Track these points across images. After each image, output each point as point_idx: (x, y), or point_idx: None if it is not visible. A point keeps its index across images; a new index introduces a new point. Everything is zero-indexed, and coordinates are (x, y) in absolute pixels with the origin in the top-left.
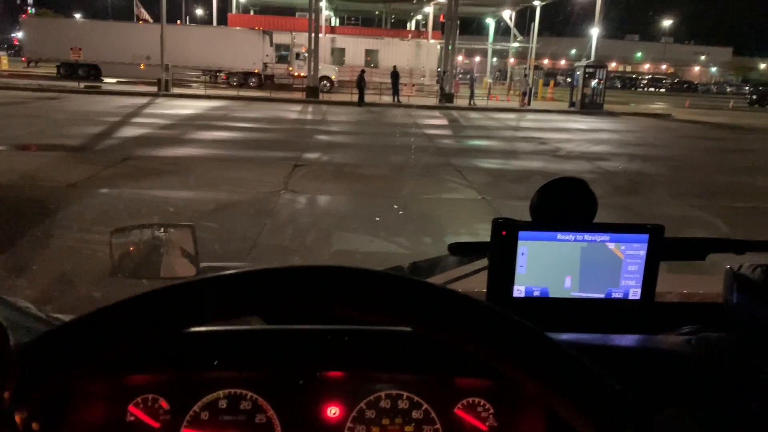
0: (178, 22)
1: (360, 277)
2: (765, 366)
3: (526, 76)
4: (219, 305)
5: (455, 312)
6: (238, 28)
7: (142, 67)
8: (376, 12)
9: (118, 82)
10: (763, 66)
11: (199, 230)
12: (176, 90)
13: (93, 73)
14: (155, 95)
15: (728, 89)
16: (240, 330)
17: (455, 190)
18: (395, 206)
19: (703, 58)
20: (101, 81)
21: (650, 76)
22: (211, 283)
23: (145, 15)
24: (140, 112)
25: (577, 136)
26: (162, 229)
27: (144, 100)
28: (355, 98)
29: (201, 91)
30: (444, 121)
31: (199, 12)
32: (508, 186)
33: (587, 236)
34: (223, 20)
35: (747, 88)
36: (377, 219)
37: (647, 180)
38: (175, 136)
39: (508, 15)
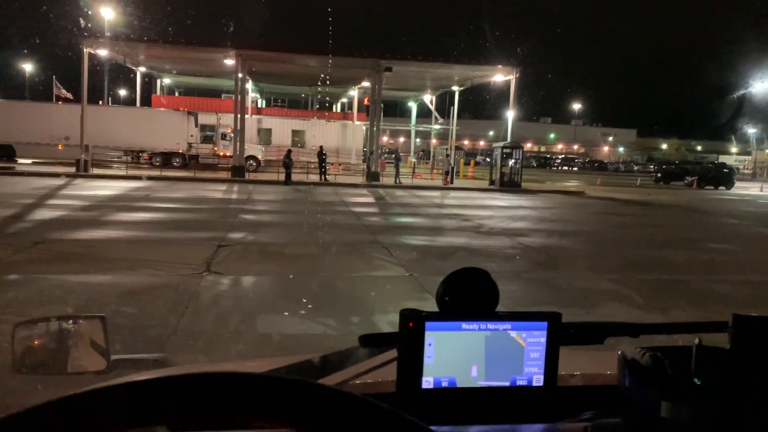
0: (101, 102)
1: (236, 383)
2: None
3: (447, 156)
4: (100, 419)
5: (340, 412)
6: (162, 109)
7: (60, 148)
8: (302, 94)
9: (34, 163)
10: (665, 146)
11: (116, 316)
12: (96, 171)
13: (7, 153)
14: (73, 176)
15: (635, 168)
16: None
17: (383, 267)
18: (322, 286)
19: (610, 138)
20: (15, 162)
21: (563, 156)
22: (91, 397)
23: (65, 94)
24: (56, 194)
25: (497, 212)
26: (70, 321)
27: (61, 181)
28: (282, 177)
29: (122, 172)
30: (371, 199)
31: (123, 93)
32: (435, 262)
33: (490, 325)
34: (147, 101)
35: (652, 166)
36: (303, 300)
37: (565, 254)
38: (93, 217)
39: (428, 99)
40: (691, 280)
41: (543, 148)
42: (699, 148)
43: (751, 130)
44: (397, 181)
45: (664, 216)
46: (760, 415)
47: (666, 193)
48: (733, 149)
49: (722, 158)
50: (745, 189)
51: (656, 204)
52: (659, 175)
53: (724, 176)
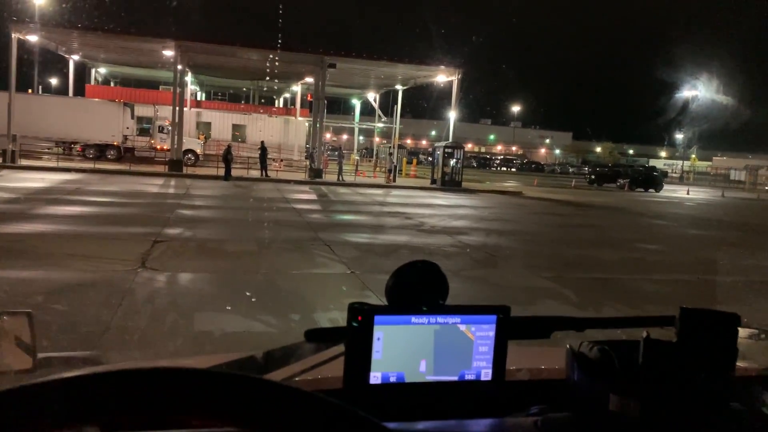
0: (30, 90)
1: (182, 378)
2: None
3: (390, 154)
4: (37, 416)
5: (287, 408)
6: (96, 99)
7: None
8: (244, 88)
9: None
10: (599, 149)
11: (46, 314)
12: (25, 162)
13: None
14: None
15: (570, 170)
16: None
17: (324, 264)
18: (262, 283)
19: (547, 141)
20: None
21: (502, 157)
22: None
23: None
24: None
25: (439, 211)
26: None
27: None
28: (222, 172)
29: (53, 164)
30: (313, 196)
31: (54, 82)
32: (376, 260)
33: (440, 319)
34: (81, 91)
35: (586, 168)
36: (243, 297)
37: (503, 253)
38: (20, 211)
39: (372, 97)
40: (622, 279)
41: (483, 149)
42: (631, 152)
43: (679, 136)
44: (340, 178)
45: (598, 217)
46: (705, 409)
47: (599, 195)
48: (663, 153)
49: (652, 162)
50: (673, 192)
51: (590, 205)
52: (593, 177)
53: (654, 179)
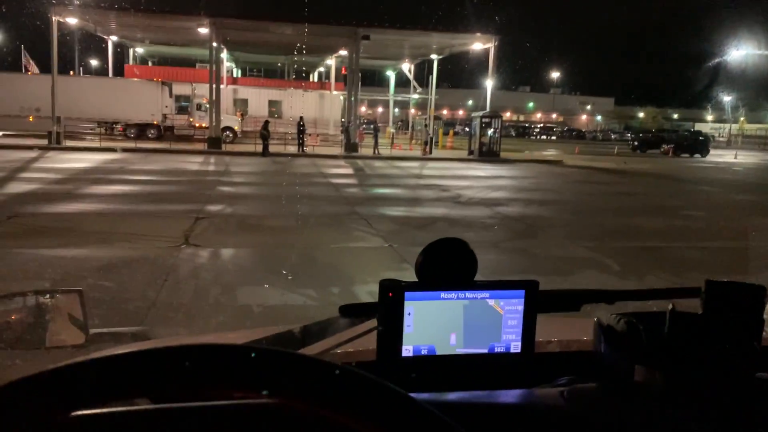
0: (72, 72)
1: (222, 354)
2: (631, 416)
3: (426, 126)
4: (87, 391)
5: (320, 380)
6: (135, 79)
7: (30, 120)
8: (279, 64)
9: (4, 135)
10: (641, 114)
11: (94, 290)
12: (69, 143)
13: None
14: (45, 148)
15: (612, 136)
16: (128, 411)
17: (362, 238)
18: (302, 257)
19: (588, 107)
20: None
21: (542, 125)
22: (76, 369)
23: (33, 66)
24: (29, 167)
25: (476, 183)
26: (48, 295)
27: (33, 153)
28: (260, 149)
29: (96, 144)
30: (349, 170)
31: (94, 63)
32: (414, 233)
33: (469, 294)
34: (120, 71)
35: (629, 135)
36: (283, 271)
37: (543, 224)
38: (67, 191)
39: (407, 68)
40: (666, 247)
41: (522, 117)
42: (675, 116)
43: (726, 99)
44: (376, 151)
45: (641, 184)
46: (729, 380)
47: (643, 162)
48: (709, 117)
49: (698, 126)
50: (720, 157)
51: (633, 172)
52: (636, 143)
53: (700, 144)
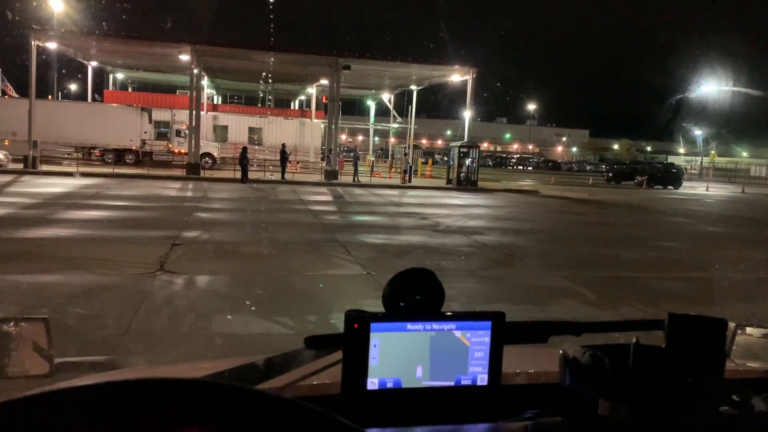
0: (50, 97)
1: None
2: None
3: (406, 154)
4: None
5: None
6: (114, 104)
7: (6, 144)
8: (260, 91)
9: None
10: (616, 146)
11: (66, 317)
12: (45, 167)
13: None
14: (21, 173)
15: (587, 167)
16: None
17: (340, 266)
18: (280, 285)
19: (564, 139)
20: None
21: (518, 156)
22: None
23: (10, 89)
24: (3, 191)
25: (454, 211)
26: (12, 323)
27: (8, 177)
28: (239, 175)
29: (72, 169)
30: (329, 197)
31: (74, 87)
32: (392, 260)
33: (435, 325)
34: (100, 96)
35: (604, 166)
36: (260, 299)
37: (519, 252)
38: (41, 216)
39: (387, 98)
40: (640, 278)
41: (499, 148)
42: (649, 148)
43: (697, 132)
44: (356, 179)
45: (615, 215)
46: (692, 413)
47: (617, 193)
48: (681, 150)
49: (671, 158)
50: (692, 189)
51: (608, 203)
52: (610, 174)
53: (673, 176)
